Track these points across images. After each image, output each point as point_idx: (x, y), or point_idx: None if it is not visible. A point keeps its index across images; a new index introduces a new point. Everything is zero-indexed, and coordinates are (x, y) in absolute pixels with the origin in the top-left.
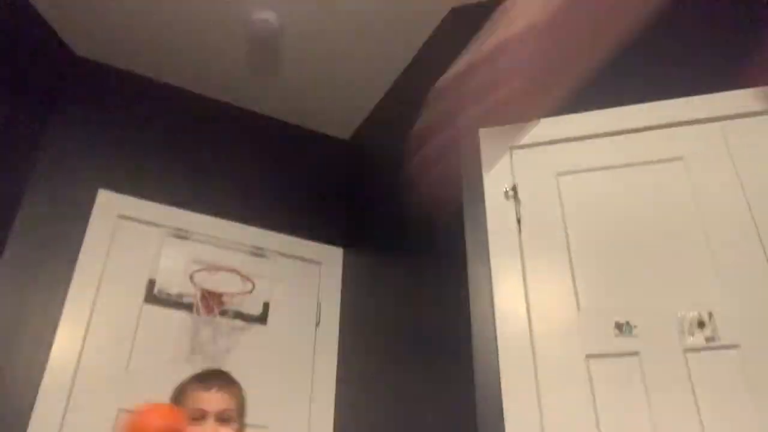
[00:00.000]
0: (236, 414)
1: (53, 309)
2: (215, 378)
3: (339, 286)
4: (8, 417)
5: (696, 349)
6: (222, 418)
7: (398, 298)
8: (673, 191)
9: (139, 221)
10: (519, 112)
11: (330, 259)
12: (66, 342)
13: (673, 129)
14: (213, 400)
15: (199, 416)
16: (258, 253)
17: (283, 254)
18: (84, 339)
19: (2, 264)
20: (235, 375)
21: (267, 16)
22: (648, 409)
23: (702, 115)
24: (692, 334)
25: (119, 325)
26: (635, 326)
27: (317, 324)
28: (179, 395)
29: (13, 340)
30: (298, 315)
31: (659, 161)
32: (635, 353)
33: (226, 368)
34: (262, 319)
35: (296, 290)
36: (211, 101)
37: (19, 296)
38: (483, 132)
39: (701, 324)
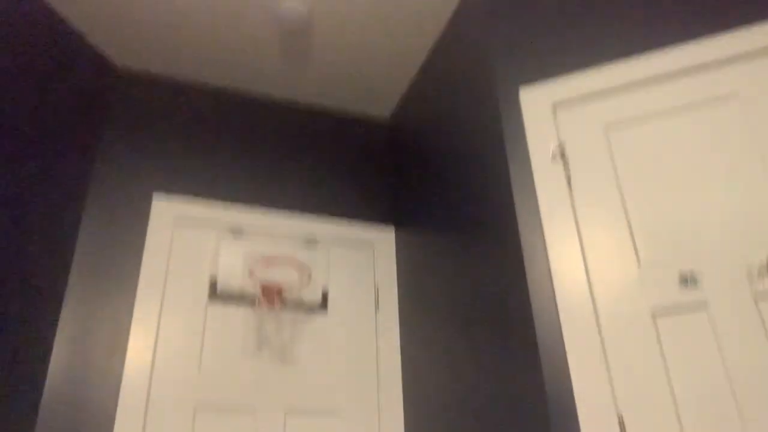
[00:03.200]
0: None
1: (123, 315)
2: None
3: (394, 266)
4: (95, 420)
5: None
6: None
7: (454, 273)
8: (730, 130)
9: (195, 221)
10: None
11: (382, 240)
12: (139, 346)
13: (725, 65)
14: None
15: None
16: (311, 241)
17: (335, 240)
18: (155, 342)
19: (71, 277)
20: (302, 364)
21: (295, 3)
22: (721, 362)
23: (755, 47)
24: (763, 279)
25: (187, 325)
26: (700, 277)
27: (377, 308)
28: None
29: (89, 347)
30: (357, 300)
31: (713, 100)
32: (703, 304)
33: (292, 358)
34: (322, 307)
35: (353, 275)
36: (249, 96)
37: (90, 305)
38: (524, 90)
39: None
